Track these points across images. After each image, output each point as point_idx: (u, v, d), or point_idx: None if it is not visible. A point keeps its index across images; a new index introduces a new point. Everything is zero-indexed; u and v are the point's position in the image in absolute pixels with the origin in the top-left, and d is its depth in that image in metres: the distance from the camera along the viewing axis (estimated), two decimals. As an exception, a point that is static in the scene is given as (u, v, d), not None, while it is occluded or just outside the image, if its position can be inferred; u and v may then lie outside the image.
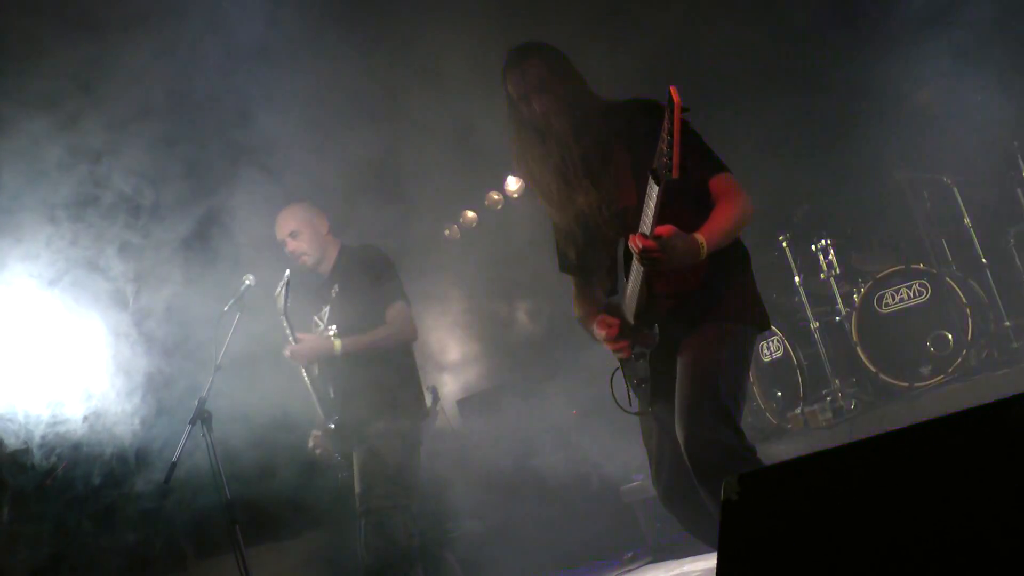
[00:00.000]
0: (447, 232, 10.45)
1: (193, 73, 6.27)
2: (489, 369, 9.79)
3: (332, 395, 5.48)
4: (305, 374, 5.48)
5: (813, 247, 7.24)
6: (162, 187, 6.20)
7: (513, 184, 9.91)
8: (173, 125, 6.28)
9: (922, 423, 1.89)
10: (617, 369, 3.98)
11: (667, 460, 3.74)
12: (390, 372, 5.50)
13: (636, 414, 3.88)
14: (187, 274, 6.15)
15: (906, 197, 6.99)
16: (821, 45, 7.79)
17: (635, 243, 3.22)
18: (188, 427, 4.96)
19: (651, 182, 3.07)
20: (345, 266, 5.67)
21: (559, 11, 7.08)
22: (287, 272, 5.39)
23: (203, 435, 4.96)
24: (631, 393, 3.91)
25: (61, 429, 5.70)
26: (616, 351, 3.80)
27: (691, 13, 7.37)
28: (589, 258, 3.82)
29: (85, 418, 5.75)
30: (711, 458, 3.36)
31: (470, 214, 10.41)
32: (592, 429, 7.76)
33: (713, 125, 3.74)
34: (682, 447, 3.44)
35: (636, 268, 3.39)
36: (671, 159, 2.89)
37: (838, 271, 7.12)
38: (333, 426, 5.40)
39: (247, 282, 5.41)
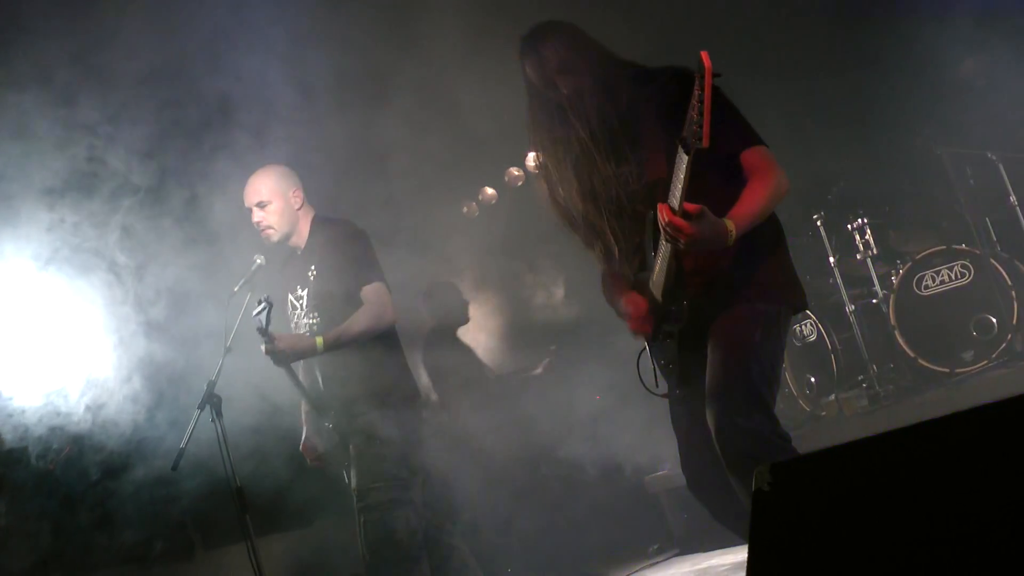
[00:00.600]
0: (465, 209, 10.45)
1: (195, 47, 6.28)
2: (504, 352, 9.79)
3: (321, 386, 5.39)
4: (290, 376, 5.28)
5: (849, 226, 7.22)
6: (161, 166, 6.21)
7: (534, 160, 9.89)
8: (170, 102, 6.29)
9: (964, 411, 1.89)
10: (644, 349, 3.97)
11: (697, 446, 3.73)
12: (379, 354, 5.36)
13: (663, 396, 3.88)
14: (189, 255, 6.16)
15: (947, 174, 6.94)
16: (859, 14, 7.74)
17: (662, 214, 3.20)
18: (196, 412, 4.97)
19: (680, 151, 3.05)
20: (320, 244, 5.49)
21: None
22: (267, 297, 5.10)
23: (212, 420, 4.97)
24: (658, 375, 3.91)
25: (61, 419, 5.74)
26: (640, 331, 3.79)
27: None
28: (616, 235, 3.81)
29: (87, 408, 5.80)
30: (742, 446, 3.35)
31: (489, 191, 10.40)
32: (617, 415, 7.76)
33: (745, 98, 3.72)
34: (712, 433, 3.44)
35: (665, 244, 3.38)
36: (701, 127, 2.88)
37: (875, 251, 7.09)
38: (330, 425, 5.31)
39: (258, 262, 5.37)
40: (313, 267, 5.46)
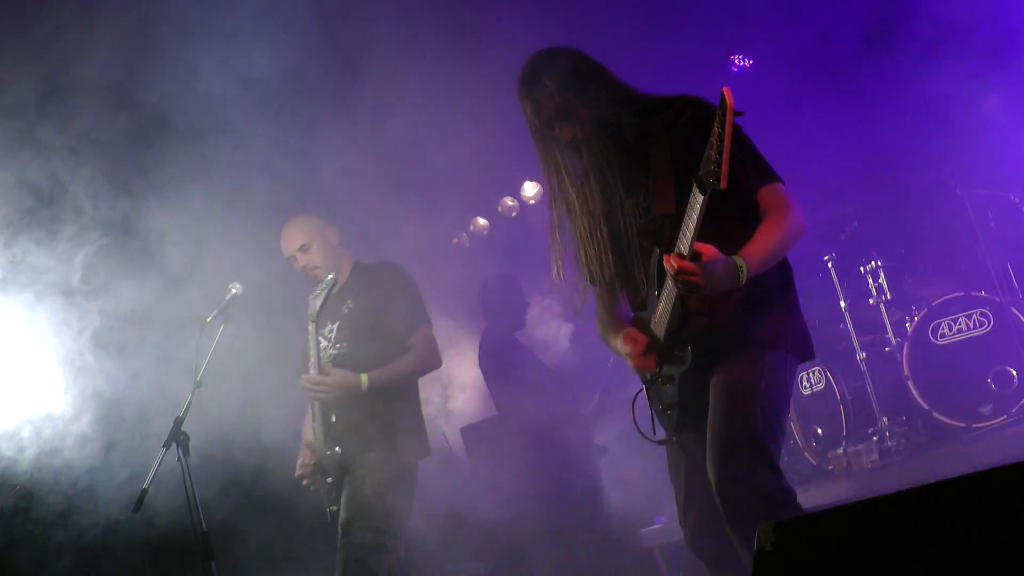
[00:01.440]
0: (455, 240, 10.46)
1: (159, 72, 6.32)
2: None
3: (335, 420, 5.46)
4: (314, 405, 5.45)
5: (861, 269, 7.23)
6: (119, 194, 6.23)
7: (530, 190, 9.92)
8: (131, 130, 6.33)
9: (982, 472, 1.88)
10: (641, 391, 3.96)
11: (696, 499, 3.72)
12: (397, 404, 5.55)
13: (660, 442, 3.86)
14: (147, 285, 6.17)
15: (967, 216, 6.97)
16: (877, 45, 7.80)
17: (670, 264, 3.20)
18: (162, 450, 4.95)
19: (695, 190, 3.06)
20: (361, 283, 5.70)
21: (594, 19, 7.17)
22: (332, 276, 5.40)
23: (178, 460, 4.96)
24: (656, 420, 3.89)
25: (6, 463, 5.74)
26: (640, 369, 3.78)
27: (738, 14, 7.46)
28: (620, 270, 3.81)
29: (38, 449, 5.79)
30: (745, 501, 3.33)
31: (481, 221, 10.42)
32: (610, 463, 7.73)
33: (757, 131, 3.74)
34: (713, 486, 3.43)
35: (670, 284, 3.38)
36: (719, 167, 2.88)
37: (889, 296, 7.10)
38: (335, 451, 5.37)
39: (233, 291, 5.40)
40: (350, 302, 5.63)
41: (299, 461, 5.60)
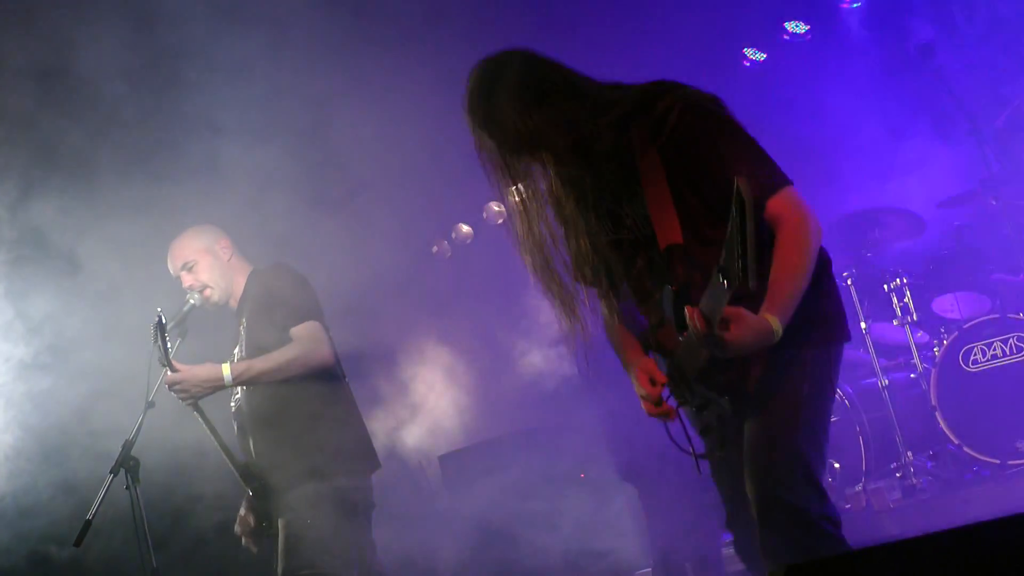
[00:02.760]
0: (435, 249, 10.45)
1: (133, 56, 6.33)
2: (481, 418, 9.75)
3: (252, 446, 5.39)
4: (205, 423, 5.22)
5: (885, 287, 7.23)
6: (48, 202, 6.23)
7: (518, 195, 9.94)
8: (59, 132, 6.33)
9: (1018, 515, 1.89)
10: (679, 406, 3.87)
11: (745, 505, 3.63)
12: (320, 417, 5.36)
13: (702, 457, 3.78)
14: (79, 293, 6.17)
15: (1004, 230, 6.99)
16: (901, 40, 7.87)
17: (694, 323, 3.11)
18: (109, 476, 4.93)
19: (718, 277, 2.95)
20: (251, 293, 5.59)
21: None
22: (159, 312, 5.13)
23: (126, 487, 4.94)
24: (690, 433, 3.82)
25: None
26: (659, 416, 3.72)
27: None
28: (622, 289, 3.78)
29: None
30: (783, 526, 3.31)
31: (465, 228, 10.42)
32: (605, 497, 7.71)
33: (770, 130, 3.74)
34: (752, 506, 3.41)
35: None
36: (746, 264, 2.79)
37: (915, 317, 7.10)
38: (252, 493, 5.24)
39: (191, 302, 5.39)
40: (244, 319, 5.52)
41: (239, 515, 5.47)
